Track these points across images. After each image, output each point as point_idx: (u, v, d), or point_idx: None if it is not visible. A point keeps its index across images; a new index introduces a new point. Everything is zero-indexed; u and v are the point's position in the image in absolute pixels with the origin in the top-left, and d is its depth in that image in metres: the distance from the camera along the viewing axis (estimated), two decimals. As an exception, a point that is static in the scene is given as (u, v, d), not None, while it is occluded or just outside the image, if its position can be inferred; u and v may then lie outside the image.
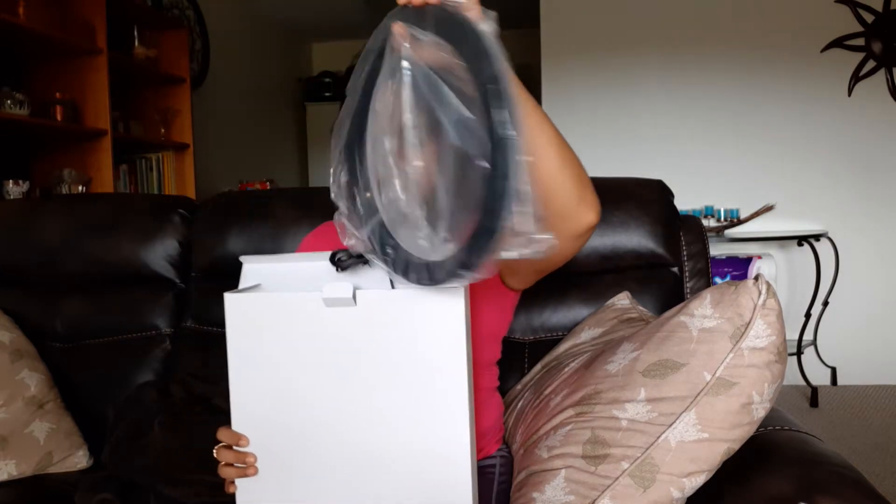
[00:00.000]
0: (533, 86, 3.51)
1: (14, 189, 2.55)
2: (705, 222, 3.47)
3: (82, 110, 2.77)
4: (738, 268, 3.23)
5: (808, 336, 3.42)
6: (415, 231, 0.71)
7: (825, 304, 3.39)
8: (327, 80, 5.66)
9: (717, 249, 3.41)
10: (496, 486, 1.06)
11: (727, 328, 0.84)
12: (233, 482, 0.88)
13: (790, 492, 0.78)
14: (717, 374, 0.83)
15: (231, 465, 0.86)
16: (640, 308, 1.26)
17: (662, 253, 1.34)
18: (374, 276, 0.82)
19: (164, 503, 1.04)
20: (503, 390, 1.24)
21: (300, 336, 0.83)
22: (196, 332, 1.50)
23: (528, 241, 0.67)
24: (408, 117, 0.68)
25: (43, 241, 1.55)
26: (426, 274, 0.72)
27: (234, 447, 0.86)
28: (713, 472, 0.85)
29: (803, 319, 3.38)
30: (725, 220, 3.50)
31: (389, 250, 0.75)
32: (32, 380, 1.34)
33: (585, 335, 1.21)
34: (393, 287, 0.81)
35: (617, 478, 0.85)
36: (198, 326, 1.50)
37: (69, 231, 1.55)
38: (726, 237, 3.30)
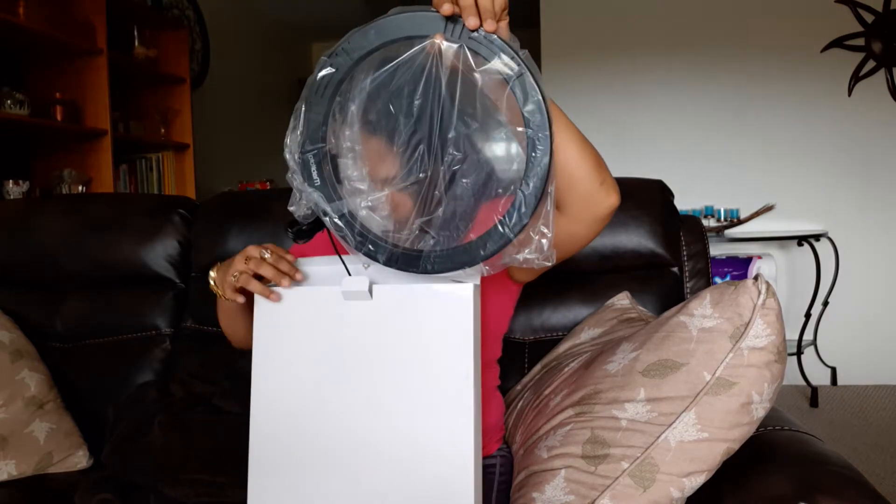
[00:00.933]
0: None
1: (14, 189, 2.54)
2: (705, 222, 3.47)
3: (82, 110, 2.77)
4: (738, 268, 3.23)
5: (808, 336, 3.42)
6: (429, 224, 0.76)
7: (825, 304, 3.39)
8: (327, 80, 5.63)
9: (717, 249, 3.41)
10: (496, 485, 1.06)
11: (727, 328, 0.84)
12: (238, 290, 0.92)
13: (790, 492, 0.78)
14: (716, 374, 0.83)
15: (250, 274, 0.90)
16: (640, 308, 1.26)
17: (662, 253, 1.34)
18: (387, 274, 0.85)
19: (164, 503, 1.04)
20: (503, 390, 1.24)
21: (319, 329, 0.86)
22: (196, 332, 1.50)
23: (530, 250, 0.74)
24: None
25: (43, 241, 1.55)
26: (412, 265, 0.77)
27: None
28: (713, 472, 0.85)
29: (803, 319, 3.38)
30: (725, 220, 3.50)
31: (375, 238, 0.78)
32: (32, 380, 1.34)
33: (585, 335, 1.21)
34: (371, 293, 0.85)
35: (617, 478, 0.85)
36: (198, 326, 1.50)
37: (69, 231, 1.55)
38: (726, 237, 3.30)
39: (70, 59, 2.75)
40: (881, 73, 3.41)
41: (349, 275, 0.86)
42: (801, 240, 3.27)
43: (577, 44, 3.68)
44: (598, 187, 0.84)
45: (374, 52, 0.74)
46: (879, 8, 3.38)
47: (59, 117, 2.63)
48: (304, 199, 0.79)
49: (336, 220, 0.78)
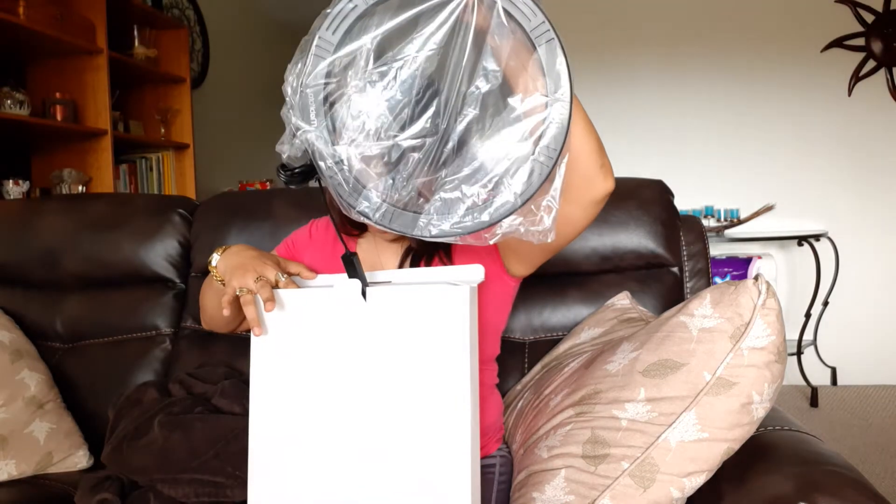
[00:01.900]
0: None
1: (14, 189, 2.54)
2: (705, 222, 3.47)
3: (82, 110, 2.77)
4: (738, 268, 3.23)
5: (808, 336, 3.42)
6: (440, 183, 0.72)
7: (825, 304, 3.39)
8: (327, 80, 5.64)
9: (717, 249, 3.41)
10: (496, 485, 1.06)
11: (727, 328, 0.84)
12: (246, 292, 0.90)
13: (790, 492, 0.78)
14: (716, 374, 0.83)
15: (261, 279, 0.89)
16: (640, 308, 1.26)
17: (662, 253, 1.34)
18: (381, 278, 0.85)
19: (163, 503, 1.03)
20: (503, 391, 1.24)
21: (316, 330, 0.86)
22: (196, 332, 1.50)
23: (533, 220, 0.72)
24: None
25: (43, 241, 1.55)
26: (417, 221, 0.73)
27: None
28: (713, 472, 0.85)
29: (803, 319, 3.38)
30: (725, 220, 3.50)
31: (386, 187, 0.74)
32: (32, 380, 1.34)
33: (585, 335, 1.21)
34: (364, 296, 0.84)
35: (617, 478, 0.85)
36: (198, 326, 1.50)
37: (69, 231, 1.55)
38: (726, 237, 3.30)
39: (70, 59, 2.75)
40: (881, 73, 3.41)
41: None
42: (801, 240, 3.27)
43: (576, 43, 3.68)
44: (598, 169, 0.84)
45: None
46: (879, 8, 3.38)
47: (59, 117, 2.62)
48: (298, 139, 0.75)
49: (332, 164, 0.73)
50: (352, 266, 0.87)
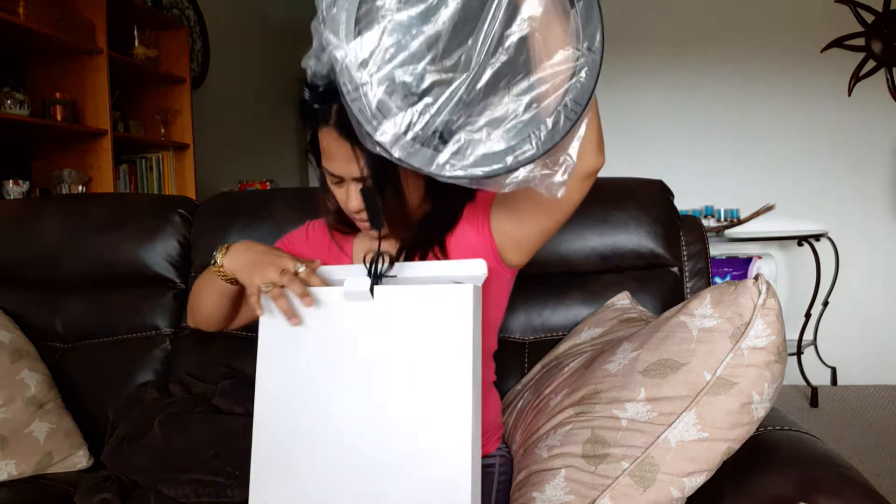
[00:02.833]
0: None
1: (14, 189, 2.54)
2: (705, 222, 3.47)
3: (82, 110, 2.77)
4: (738, 268, 3.23)
5: (808, 336, 3.42)
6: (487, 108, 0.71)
7: (825, 304, 3.39)
8: (327, 79, 5.63)
9: (717, 249, 3.40)
10: (496, 485, 1.06)
11: (727, 328, 0.84)
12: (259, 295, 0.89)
13: (790, 492, 0.78)
14: (717, 374, 0.83)
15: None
16: (640, 308, 1.26)
17: (662, 253, 1.34)
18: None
19: (163, 503, 1.04)
20: (503, 391, 1.24)
21: (322, 328, 0.87)
22: (196, 332, 1.50)
23: (548, 173, 0.72)
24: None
25: (43, 241, 1.54)
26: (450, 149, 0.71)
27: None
28: (713, 472, 0.85)
29: (803, 319, 3.38)
30: (725, 220, 3.50)
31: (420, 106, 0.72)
32: (32, 380, 1.34)
33: (585, 335, 1.21)
34: (372, 293, 0.84)
35: (617, 477, 0.85)
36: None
37: (69, 231, 1.55)
38: (726, 237, 3.30)
39: (70, 59, 2.75)
40: (881, 73, 3.41)
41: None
42: (801, 240, 3.27)
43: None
44: (595, 144, 0.85)
45: None
46: (879, 8, 3.38)
47: (59, 117, 2.62)
48: (326, 55, 0.72)
49: (356, 87, 0.70)
50: (374, 264, 0.87)
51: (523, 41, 0.70)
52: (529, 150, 0.71)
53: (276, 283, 0.88)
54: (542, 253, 1.06)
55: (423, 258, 1.03)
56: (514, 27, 0.69)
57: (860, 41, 3.41)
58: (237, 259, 0.96)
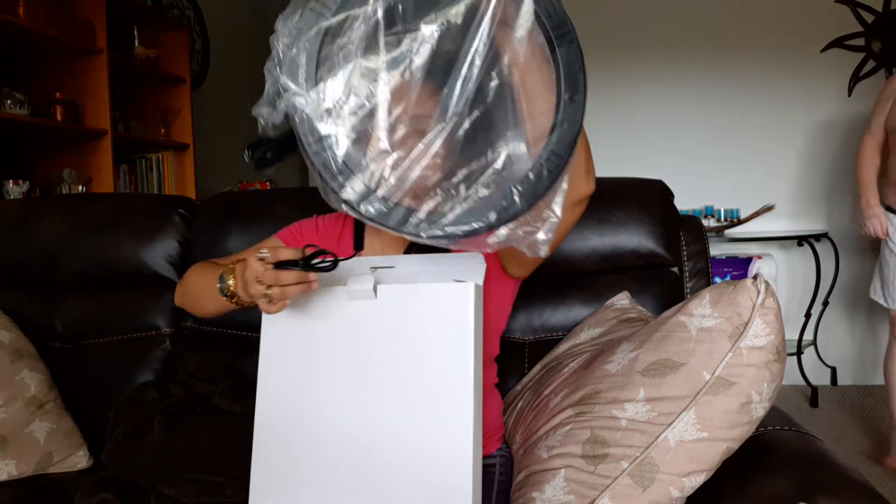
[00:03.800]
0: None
1: (14, 189, 2.54)
2: (705, 222, 3.47)
3: (82, 110, 2.77)
4: (738, 268, 3.23)
5: (808, 336, 3.42)
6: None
7: (825, 304, 3.39)
8: (327, 80, 5.63)
9: (717, 249, 3.40)
10: (496, 485, 1.06)
11: (726, 328, 0.84)
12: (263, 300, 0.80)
13: (790, 492, 0.78)
14: (716, 374, 0.83)
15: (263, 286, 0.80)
16: (640, 308, 1.26)
17: (662, 253, 1.34)
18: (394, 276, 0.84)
19: (163, 503, 1.04)
20: (503, 391, 1.24)
21: (324, 328, 0.87)
22: (196, 332, 1.50)
23: (531, 230, 0.67)
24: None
25: (43, 241, 1.54)
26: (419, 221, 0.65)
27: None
28: (713, 472, 0.85)
29: (803, 319, 3.38)
30: (725, 220, 3.50)
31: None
32: (32, 380, 1.34)
33: (585, 335, 1.21)
34: (376, 293, 0.83)
35: (616, 477, 0.85)
36: (198, 326, 1.50)
37: (69, 231, 1.55)
38: (726, 237, 3.30)
39: (70, 59, 2.75)
40: (881, 73, 3.41)
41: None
42: (801, 240, 3.27)
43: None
44: (583, 174, 0.84)
45: None
46: (879, 8, 3.38)
47: (59, 117, 2.62)
48: (283, 102, 0.65)
49: (318, 139, 0.63)
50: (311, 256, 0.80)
51: (502, 90, 0.65)
52: (513, 205, 0.65)
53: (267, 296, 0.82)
54: (541, 253, 1.06)
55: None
56: (494, 75, 0.64)
57: (860, 41, 3.41)
58: (236, 279, 0.90)
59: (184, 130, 3.36)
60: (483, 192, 0.65)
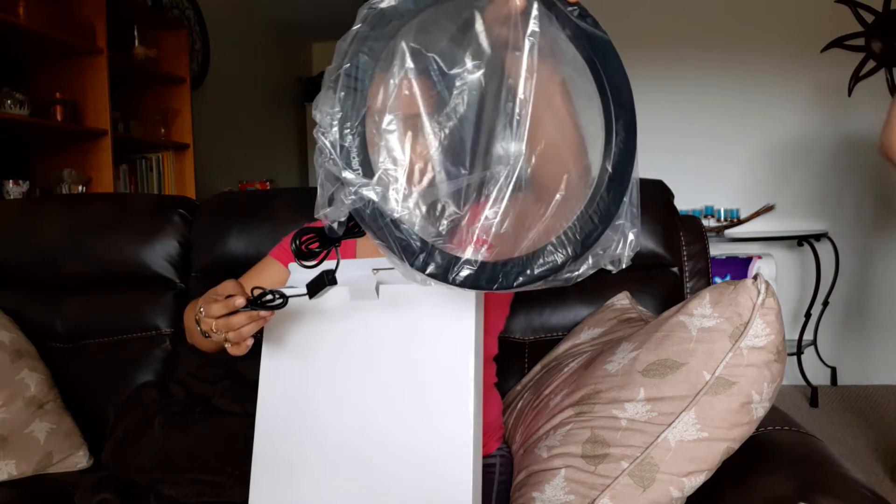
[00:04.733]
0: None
1: (14, 189, 2.54)
2: (705, 222, 3.47)
3: (82, 110, 2.77)
4: (738, 268, 3.23)
5: (808, 336, 3.42)
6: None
7: (825, 304, 3.39)
8: (327, 80, 5.64)
9: (717, 249, 3.40)
10: (496, 485, 1.06)
11: (726, 327, 0.84)
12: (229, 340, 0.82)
13: (790, 492, 0.78)
14: (716, 374, 0.83)
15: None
16: (640, 308, 1.26)
17: (662, 253, 1.34)
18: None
19: (163, 503, 1.04)
20: (503, 391, 1.24)
21: (326, 327, 0.87)
22: (196, 332, 1.50)
23: (612, 248, 0.66)
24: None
25: (43, 241, 1.54)
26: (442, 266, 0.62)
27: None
28: (713, 472, 0.85)
29: (803, 319, 3.38)
30: (725, 220, 3.50)
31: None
32: (32, 380, 1.34)
33: (585, 335, 1.21)
34: (378, 293, 0.84)
35: (616, 477, 0.85)
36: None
37: (69, 231, 1.55)
38: (726, 237, 3.30)
39: (70, 59, 2.75)
40: (881, 74, 3.41)
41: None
42: (801, 240, 3.27)
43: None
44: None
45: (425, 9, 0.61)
46: (879, 8, 3.38)
47: (59, 117, 2.62)
48: (350, 196, 0.60)
49: (390, 221, 0.60)
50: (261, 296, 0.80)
51: (555, 114, 0.64)
52: (596, 228, 0.64)
53: (239, 324, 0.82)
54: (541, 253, 1.06)
55: None
56: (539, 102, 0.62)
57: (860, 41, 3.41)
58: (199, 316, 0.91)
59: (184, 130, 3.36)
60: (558, 224, 0.63)
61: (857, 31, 3.40)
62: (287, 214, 1.46)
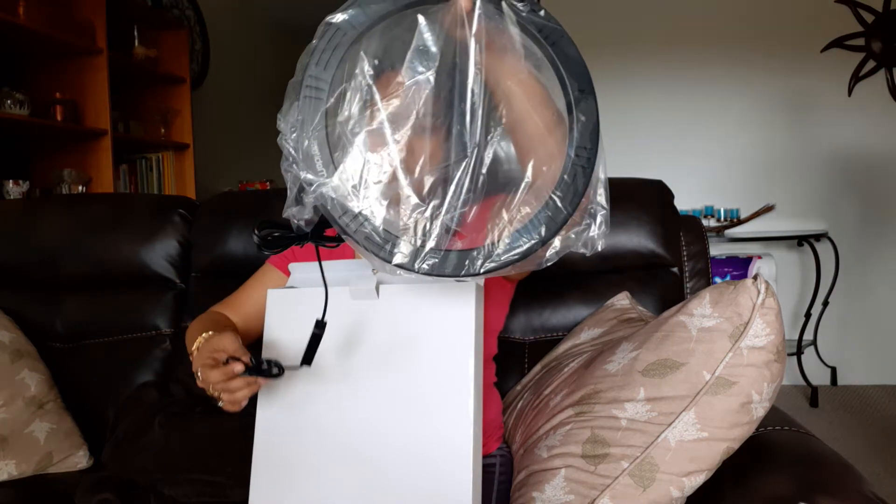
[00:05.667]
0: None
1: (14, 189, 2.54)
2: (705, 222, 3.47)
3: (82, 110, 2.77)
4: (738, 268, 3.23)
5: (808, 336, 3.42)
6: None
7: (825, 304, 3.39)
8: (327, 80, 5.63)
9: (717, 249, 3.40)
10: (496, 485, 1.06)
11: (726, 327, 0.84)
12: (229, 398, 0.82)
13: (790, 492, 0.78)
14: (716, 374, 0.83)
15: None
16: (640, 308, 1.26)
17: (662, 253, 1.34)
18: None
19: (163, 503, 1.04)
20: (503, 391, 1.24)
21: (327, 327, 0.86)
22: (196, 332, 1.50)
23: (581, 229, 0.67)
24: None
25: (43, 241, 1.55)
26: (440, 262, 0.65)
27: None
28: (713, 472, 0.85)
29: (803, 319, 3.38)
30: (725, 220, 3.50)
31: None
32: (32, 380, 1.34)
33: (585, 335, 1.21)
34: (378, 292, 0.84)
35: (617, 477, 0.85)
36: (198, 326, 1.50)
37: (69, 231, 1.55)
38: (726, 237, 3.30)
39: (70, 59, 2.75)
40: (881, 73, 3.41)
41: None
42: (801, 240, 3.27)
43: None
44: None
45: (387, 16, 0.65)
46: (879, 8, 3.38)
47: (59, 117, 2.62)
48: (311, 196, 0.65)
49: (354, 217, 0.64)
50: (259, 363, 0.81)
51: (510, 108, 0.67)
52: (559, 212, 0.65)
53: (234, 387, 0.82)
54: (541, 253, 1.06)
55: None
56: (496, 98, 0.66)
57: (860, 41, 3.41)
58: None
59: (184, 130, 3.36)
60: (525, 210, 0.65)
61: (857, 31, 3.40)
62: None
